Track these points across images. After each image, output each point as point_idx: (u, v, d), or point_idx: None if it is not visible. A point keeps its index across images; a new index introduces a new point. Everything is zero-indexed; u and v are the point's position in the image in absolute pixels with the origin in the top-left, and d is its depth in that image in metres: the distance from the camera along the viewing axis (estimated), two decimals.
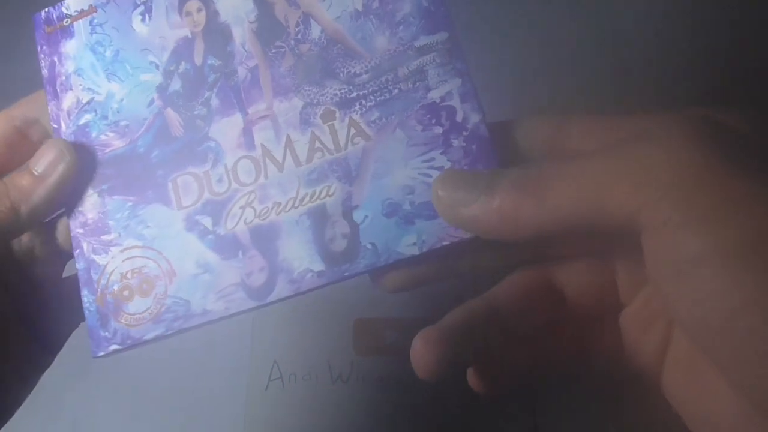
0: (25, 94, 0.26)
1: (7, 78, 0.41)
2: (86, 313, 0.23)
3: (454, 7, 0.21)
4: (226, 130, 0.23)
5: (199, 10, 0.24)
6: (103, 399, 0.39)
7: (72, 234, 0.24)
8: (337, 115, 0.22)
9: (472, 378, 0.20)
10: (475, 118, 0.21)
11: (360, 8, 0.22)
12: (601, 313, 0.21)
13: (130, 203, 0.23)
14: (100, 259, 0.23)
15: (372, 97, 0.22)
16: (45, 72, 0.25)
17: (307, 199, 0.22)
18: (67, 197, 0.24)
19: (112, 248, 0.23)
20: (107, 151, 0.24)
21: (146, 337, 0.22)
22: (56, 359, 0.26)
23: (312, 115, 0.22)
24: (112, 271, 0.23)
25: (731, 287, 0.14)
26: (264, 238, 0.22)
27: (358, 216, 0.21)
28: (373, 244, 0.21)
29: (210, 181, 0.23)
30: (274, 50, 0.23)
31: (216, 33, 0.24)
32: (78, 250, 0.24)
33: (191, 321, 0.22)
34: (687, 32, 0.40)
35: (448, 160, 0.21)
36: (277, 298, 0.21)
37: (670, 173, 0.15)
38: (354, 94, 0.22)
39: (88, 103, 0.25)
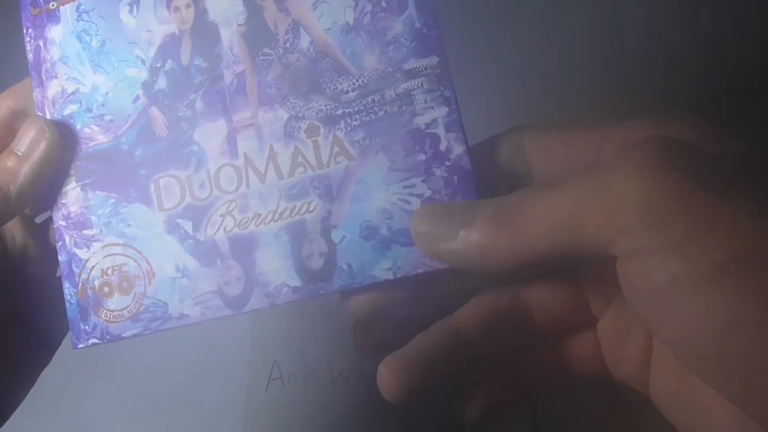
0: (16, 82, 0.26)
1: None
2: (67, 305, 0.24)
3: (445, 31, 0.21)
4: (210, 135, 0.23)
5: (187, 6, 0.23)
6: (103, 399, 0.40)
7: (55, 226, 0.24)
8: (322, 131, 0.22)
9: (466, 409, 0.21)
10: (458, 149, 0.21)
11: (351, 22, 0.22)
12: (575, 328, 0.22)
13: (112, 200, 0.24)
14: (81, 253, 0.24)
15: (358, 117, 0.22)
16: (30, 56, 0.25)
17: (287, 213, 0.22)
18: (52, 176, 0.24)
19: (93, 243, 0.24)
20: (91, 144, 0.24)
21: (124, 335, 0.23)
22: (56, 359, 0.27)
23: (296, 129, 0.22)
24: (93, 266, 0.24)
25: (713, 308, 0.15)
26: (242, 248, 0.22)
27: (336, 236, 0.21)
28: (348, 265, 0.21)
29: (192, 186, 0.23)
30: (261, 57, 0.23)
31: (204, 32, 0.23)
32: (60, 242, 0.24)
33: (168, 323, 0.23)
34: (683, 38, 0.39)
35: (428, 188, 0.21)
36: (253, 308, 0.22)
37: (639, 201, 0.16)
38: (339, 111, 0.22)
39: (73, 93, 0.24)
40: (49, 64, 0.25)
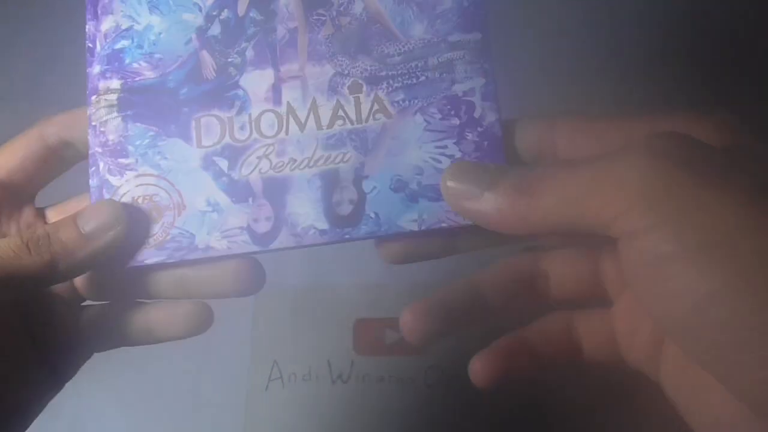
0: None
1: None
2: None
3: (491, 11, 0.23)
4: (257, 81, 0.24)
5: None
6: (103, 399, 0.39)
7: (90, 152, 0.25)
8: (364, 89, 0.23)
9: (474, 372, 0.22)
10: (491, 117, 0.22)
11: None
12: (590, 308, 0.23)
13: (152, 133, 0.24)
14: (114, 180, 0.24)
15: (400, 79, 0.23)
16: None
17: (322, 161, 0.23)
18: (111, 259, 0.23)
19: (127, 172, 0.24)
20: (137, 79, 0.25)
21: (147, 261, 0.24)
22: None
23: (340, 85, 0.23)
24: (125, 193, 0.24)
25: (694, 284, 0.16)
26: (275, 189, 0.23)
27: (367, 185, 0.23)
28: (376, 214, 0.22)
29: (233, 127, 0.24)
30: (315, 17, 0.24)
31: None
32: (93, 168, 0.25)
33: (193, 254, 0.23)
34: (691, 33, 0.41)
35: (459, 150, 0.22)
36: (280, 246, 0.23)
37: (637, 187, 0.17)
38: (383, 73, 0.23)
39: (127, 30, 0.25)
40: (107, 1, 0.26)
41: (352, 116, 0.23)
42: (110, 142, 0.25)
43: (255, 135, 0.24)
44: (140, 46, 0.25)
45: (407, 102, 0.23)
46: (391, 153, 0.23)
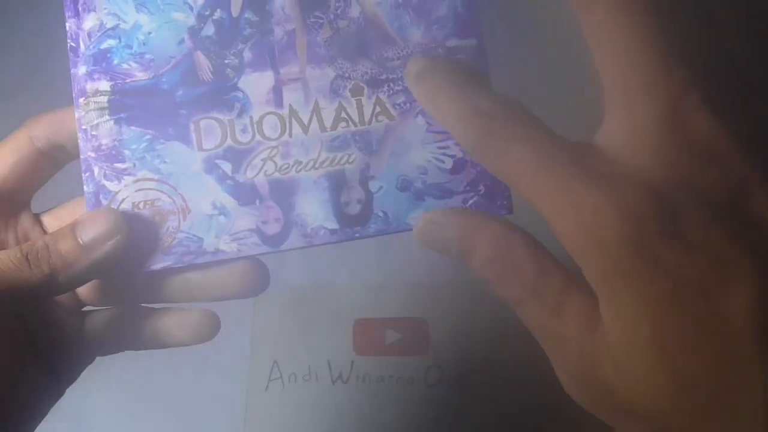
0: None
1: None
2: None
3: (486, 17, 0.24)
4: (256, 84, 0.24)
5: None
6: (103, 399, 0.38)
7: (82, 157, 0.24)
8: (366, 92, 0.24)
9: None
10: None
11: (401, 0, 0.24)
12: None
13: (148, 136, 0.24)
14: (111, 186, 0.24)
15: (400, 83, 0.24)
16: None
17: (328, 162, 0.24)
18: (111, 269, 0.23)
19: (125, 177, 0.24)
20: (128, 80, 0.24)
21: (154, 267, 0.24)
22: None
23: (342, 87, 0.24)
24: (124, 198, 0.24)
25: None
26: (282, 191, 0.24)
27: (373, 185, 0.24)
28: (384, 213, 0.24)
29: (234, 129, 0.24)
30: (312, 19, 0.25)
31: None
32: (87, 173, 0.24)
33: (202, 257, 0.24)
34: None
35: (460, 150, 0.24)
36: (291, 247, 0.24)
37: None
38: (384, 76, 0.24)
39: (113, 29, 0.25)
40: None
41: (355, 118, 0.24)
42: (104, 147, 0.24)
43: (258, 137, 0.24)
44: (129, 46, 0.25)
45: (408, 105, 0.24)
46: (396, 153, 0.24)
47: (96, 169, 0.24)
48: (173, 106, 0.24)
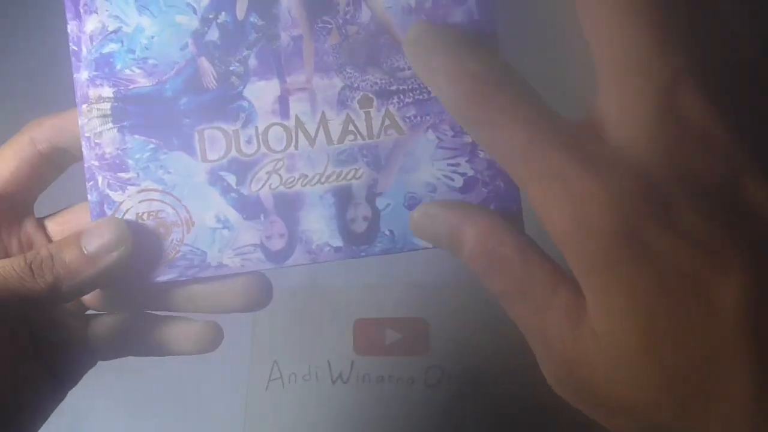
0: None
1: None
2: None
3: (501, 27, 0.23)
4: (262, 93, 0.24)
5: None
6: (103, 399, 0.39)
7: (86, 165, 0.24)
8: (375, 103, 0.23)
9: None
10: None
11: (413, 4, 0.23)
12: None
13: (152, 146, 0.24)
14: (115, 196, 0.24)
15: (411, 94, 0.23)
16: None
17: (334, 177, 0.23)
18: (115, 279, 0.23)
19: (129, 187, 0.24)
20: (131, 87, 0.24)
21: (158, 279, 0.24)
22: None
23: (350, 98, 0.23)
24: (128, 209, 0.24)
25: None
26: (287, 206, 0.23)
27: (380, 203, 0.23)
28: (391, 232, 0.23)
29: (239, 140, 0.24)
30: (320, 24, 0.23)
31: None
32: (92, 182, 0.24)
33: (206, 272, 0.24)
34: None
35: (471, 168, 0.23)
36: (294, 264, 0.23)
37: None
38: (394, 87, 0.23)
39: (115, 32, 0.24)
40: None
41: (363, 131, 0.23)
42: (107, 155, 0.24)
43: (263, 149, 0.24)
44: (131, 51, 0.24)
45: (419, 118, 0.23)
46: (404, 170, 0.23)
47: (100, 179, 0.24)
48: (177, 114, 0.24)
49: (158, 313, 0.26)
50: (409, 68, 0.23)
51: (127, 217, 0.24)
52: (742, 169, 0.17)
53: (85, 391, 0.27)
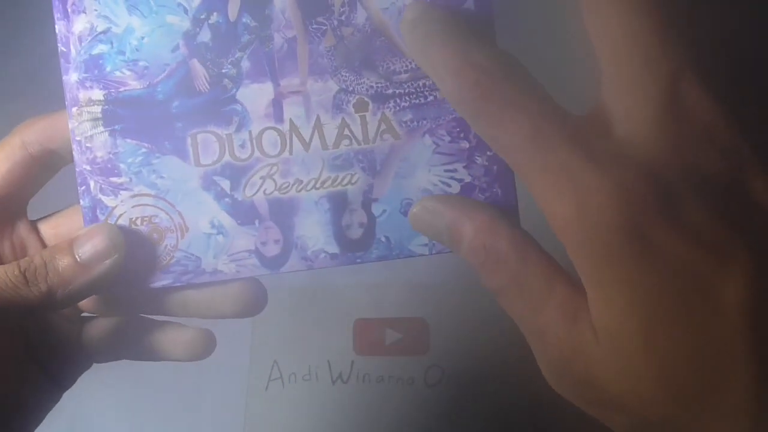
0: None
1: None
2: None
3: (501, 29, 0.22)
4: (255, 96, 0.23)
5: None
6: (103, 399, 0.39)
7: (78, 170, 0.23)
8: (370, 107, 0.23)
9: None
10: None
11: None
12: None
13: (144, 150, 0.23)
14: (108, 200, 0.24)
15: (407, 98, 0.23)
16: None
17: (329, 182, 0.23)
18: (109, 286, 0.23)
19: (121, 192, 0.23)
20: (122, 89, 0.23)
21: (152, 285, 0.23)
22: None
23: (345, 102, 0.23)
24: (121, 214, 0.24)
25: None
26: (282, 211, 0.23)
27: (376, 209, 0.23)
28: (387, 238, 0.23)
29: (232, 145, 0.23)
30: (315, 25, 0.23)
31: None
32: (83, 187, 0.24)
33: (201, 278, 0.23)
34: None
35: (469, 174, 0.23)
36: (290, 270, 0.23)
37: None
38: (390, 91, 0.23)
39: (104, 32, 0.23)
40: None
41: (359, 136, 0.23)
42: (99, 160, 0.23)
43: (257, 154, 0.23)
44: (121, 52, 0.23)
45: (415, 123, 0.23)
46: (400, 175, 0.23)
47: (92, 183, 0.24)
48: (169, 118, 0.23)
49: (153, 317, 0.26)
50: (406, 72, 0.23)
51: (120, 222, 0.24)
52: (746, 164, 0.16)
53: (84, 391, 0.27)
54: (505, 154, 0.18)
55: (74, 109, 0.23)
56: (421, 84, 0.23)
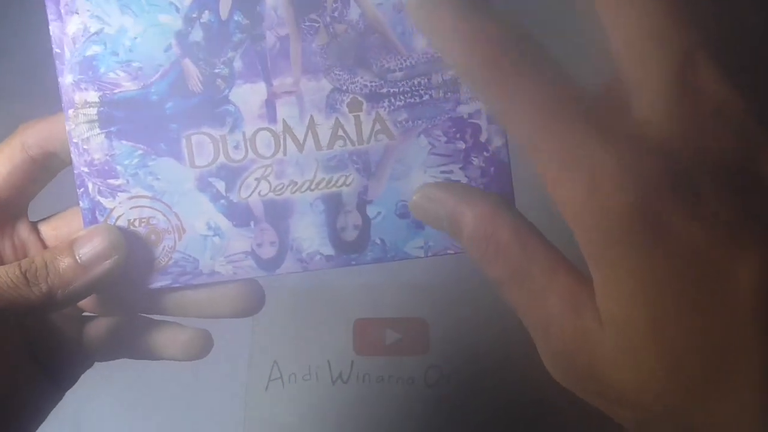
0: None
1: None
2: None
3: None
4: (248, 97, 0.23)
5: None
6: (103, 399, 0.40)
7: (76, 172, 0.24)
8: (365, 107, 0.22)
9: None
10: (498, 142, 0.22)
11: (405, 1, 0.21)
12: None
13: (140, 152, 0.23)
14: (106, 202, 0.24)
15: (402, 97, 0.22)
16: None
17: (324, 184, 0.23)
18: (109, 286, 0.23)
19: (119, 193, 0.24)
20: (116, 91, 0.23)
21: (151, 286, 0.24)
22: None
23: (339, 102, 0.22)
24: (120, 216, 0.24)
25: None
26: (277, 213, 0.23)
27: (371, 211, 0.23)
28: (382, 240, 0.23)
29: (226, 146, 0.23)
30: (307, 23, 0.22)
31: None
32: (82, 189, 0.24)
33: (198, 279, 0.24)
34: None
35: (465, 176, 0.22)
36: (286, 271, 0.23)
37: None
38: (384, 90, 0.22)
39: (97, 33, 0.23)
40: None
41: (353, 136, 0.23)
42: (96, 162, 0.24)
43: (251, 155, 0.23)
44: (115, 53, 0.23)
45: (410, 123, 0.22)
46: (395, 177, 0.22)
47: (90, 185, 0.24)
48: (163, 119, 0.23)
49: (152, 316, 0.26)
50: (400, 69, 0.22)
51: (119, 223, 0.24)
52: (760, 144, 0.16)
53: (85, 391, 0.27)
54: (514, 128, 0.18)
55: (70, 111, 0.23)
56: (416, 83, 0.22)
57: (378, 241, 0.23)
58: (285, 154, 0.23)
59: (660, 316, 0.16)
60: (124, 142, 0.23)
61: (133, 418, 0.40)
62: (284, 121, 0.23)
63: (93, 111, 0.24)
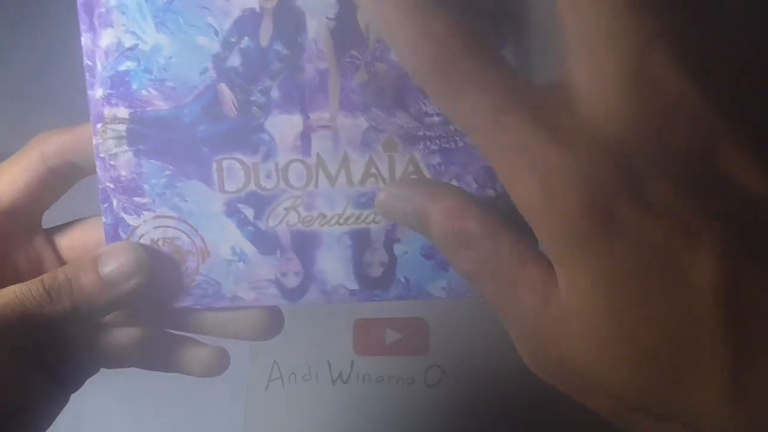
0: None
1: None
2: None
3: None
4: (284, 127, 0.23)
5: None
6: (103, 399, 0.39)
7: (101, 187, 0.23)
8: (400, 148, 0.23)
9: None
10: None
11: None
12: None
13: (168, 172, 0.23)
14: (130, 220, 0.24)
15: (437, 142, 0.23)
16: None
17: (353, 219, 0.23)
18: (132, 304, 0.23)
19: (144, 212, 0.24)
20: (148, 109, 0.23)
21: (174, 305, 0.24)
22: None
23: (374, 140, 0.23)
24: (143, 234, 0.24)
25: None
26: (304, 244, 0.23)
27: (398, 249, 0.23)
28: (406, 279, 0.23)
29: (258, 174, 0.23)
30: (348, 59, 0.22)
31: (288, 17, 0.22)
32: (106, 204, 0.24)
33: (220, 302, 0.24)
34: None
35: None
36: (308, 303, 0.24)
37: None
38: (420, 133, 0.23)
39: (131, 49, 0.23)
40: (103, 9, 0.23)
41: (386, 175, 0.23)
42: (122, 178, 0.23)
43: (282, 185, 0.23)
44: (148, 71, 0.23)
45: (443, 167, 0.23)
46: None
47: (115, 201, 0.24)
48: (194, 141, 0.23)
49: (170, 331, 0.26)
50: (438, 114, 0.23)
51: (143, 241, 0.24)
52: (717, 136, 0.16)
53: (85, 391, 0.28)
54: (466, 131, 0.18)
55: (99, 126, 0.23)
56: (452, 129, 0.23)
57: (402, 280, 0.23)
58: (316, 186, 0.23)
59: (620, 309, 0.16)
60: (152, 160, 0.23)
61: (133, 417, 0.40)
62: (318, 154, 0.23)
63: (122, 127, 0.23)
